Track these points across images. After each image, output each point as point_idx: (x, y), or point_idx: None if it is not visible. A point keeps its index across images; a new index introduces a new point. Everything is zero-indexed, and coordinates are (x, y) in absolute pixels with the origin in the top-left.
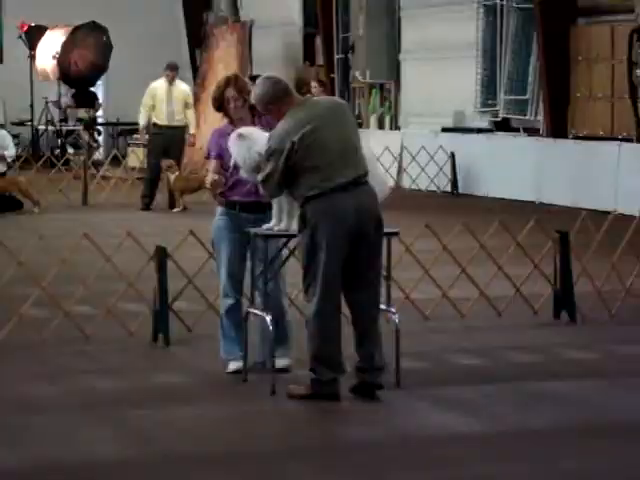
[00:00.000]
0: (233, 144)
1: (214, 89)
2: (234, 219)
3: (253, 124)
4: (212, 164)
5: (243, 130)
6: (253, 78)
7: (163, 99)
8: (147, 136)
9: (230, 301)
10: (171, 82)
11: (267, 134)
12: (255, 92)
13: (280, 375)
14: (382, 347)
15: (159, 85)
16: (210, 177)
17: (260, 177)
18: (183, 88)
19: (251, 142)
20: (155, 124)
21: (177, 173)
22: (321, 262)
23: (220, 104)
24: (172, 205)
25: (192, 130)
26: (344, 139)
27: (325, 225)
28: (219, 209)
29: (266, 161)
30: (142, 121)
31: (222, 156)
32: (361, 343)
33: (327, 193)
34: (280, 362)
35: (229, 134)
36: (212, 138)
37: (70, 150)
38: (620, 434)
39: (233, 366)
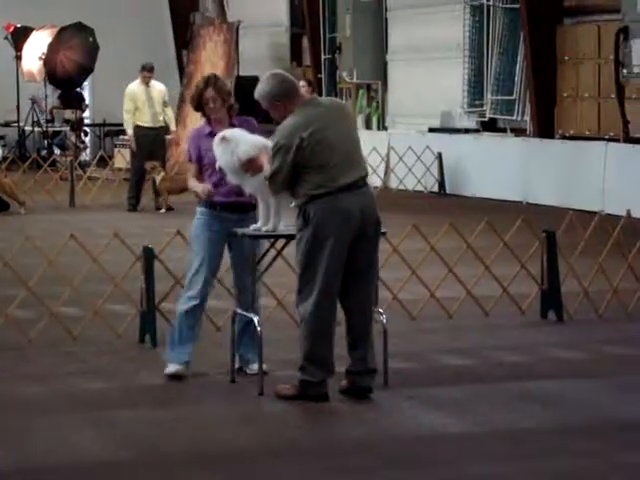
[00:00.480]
0: (217, 147)
1: (193, 89)
2: (215, 219)
3: (231, 125)
4: (191, 167)
5: (226, 133)
6: (240, 79)
7: (144, 101)
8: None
9: (194, 302)
10: (147, 83)
11: (250, 135)
12: (262, 87)
13: (267, 376)
14: (374, 350)
15: (136, 88)
16: (201, 187)
17: (267, 173)
18: (160, 88)
19: (234, 145)
20: (138, 126)
21: (163, 174)
22: (323, 261)
23: (198, 104)
24: (158, 206)
25: (173, 127)
26: (348, 140)
27: (331, 224)
28: (200, 209)
29: (272, 157)
30: (129, 129)
31: (201, 158)
32: (355, 346)
33: (333, 193)
34: (254, 367)
35: (207, 135)
36: (191, 141)
37: (57, 151)
38: (609, 433)
39: (173, 369)
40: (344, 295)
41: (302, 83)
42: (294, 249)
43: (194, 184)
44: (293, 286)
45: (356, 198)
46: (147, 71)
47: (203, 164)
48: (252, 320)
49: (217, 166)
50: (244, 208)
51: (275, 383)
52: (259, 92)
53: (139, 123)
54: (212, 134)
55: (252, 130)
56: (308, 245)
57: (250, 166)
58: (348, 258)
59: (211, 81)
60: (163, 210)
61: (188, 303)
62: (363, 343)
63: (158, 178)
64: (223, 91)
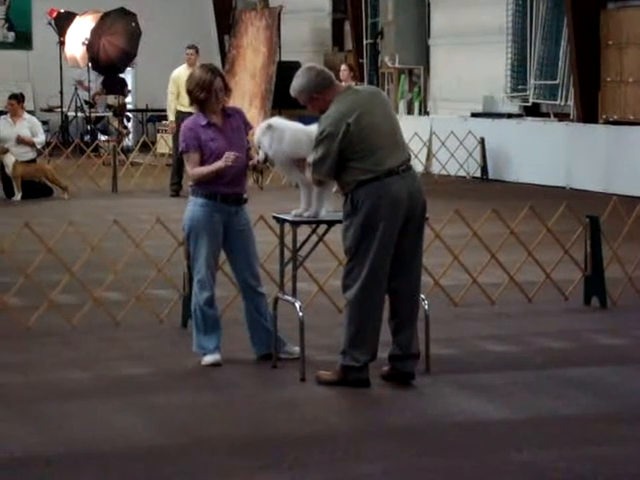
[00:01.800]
0: (263, 135)
1: (199, 77)
2: (215, 209)
3: (224, 115)
4: (193, 157)
5: (272, 121)
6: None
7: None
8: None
9: (208, 294)
10: (192, 64)
11: (296, 124)
12: (298, 83)
13: (307, 361)
14: (418, 335)
15: (182, 71)
16: (217, 164)
17: (311, 159)
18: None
19: (281, 133)
20: (180, 111)
21: None
22: (373, 246)
23: (207, 92)
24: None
25: None
26: (390, 123)
27: (381, 210)
28: (198, 200)
29: (317, 145)
30: (171, 114)
31: (202, 147)
32: (399, 330)
33: (381, 177)
34: (288, 350)
35: (204, 126)
36: (187, 131)
37: (100, 137)
38: None
39: (210, 359)
40: (391, 279)
41: (343, 68)
42: (334, 235)
43: (202, 169)
44: (330, 271)
45: (403, 182)
46: (189, 48)
47: (203, 154)
48: (260, 305)
49: (261, 155)
50: (241, 200)
51: (314, 368)
52: (295, 88)
53: (181, 108)
54: (210, 124)
55: (242, 120)
56: (358, 231)
57: (301, 162)
58: (396, 242)
59: (217, 70)
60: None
61: (204, 294)
62: (408, 328)
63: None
64: (226, 80)
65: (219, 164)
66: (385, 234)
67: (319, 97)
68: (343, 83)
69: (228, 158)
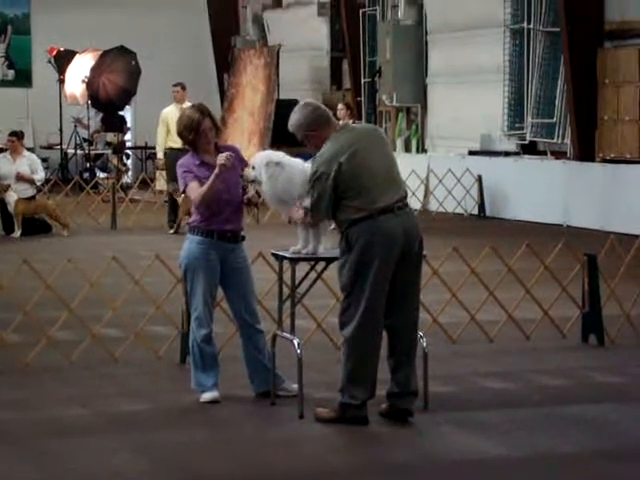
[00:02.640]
0: (265, 170)
1: (187, 118)
2: (211, 247)
3: (217, 152)
4: (193, 185)
5: (273, 156)
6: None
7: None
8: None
9: (206, 331)
10: (180, 101)
11: (294, 161)
12: (295, 118)
13: (304, 398)
14: (416, 372)
15: (170, 110)
16: (216, 170)
17: (308, 203)
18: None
19: (290, 174)
20: (171, 147)
21: (183, 195)
22: (368, 283)
23: (196, 133)
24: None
25: None
26: (386, 161)
27: (375, 247)
28: (195, 237)
29: (312, 186)
30: (160, 152)
31: (200, 179)
32: (397, 368)
33: (374, 215)
34: (287, 387)
35: (199, 165)
36: (182, 170)
37: (99, 174)
38: None
39: (208, 396)
40: (388, 316)
41: (340, 107)
42: (332, 272)
43: (202, 188)
44: (329, 308)
45: (398, 219)
46: (174, 86)
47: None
48: (258, 343)
49: (251, 192)
50: (238, 237)
51: (313, 406)
52: (292, 124)
53: (172, 145)
54: (203, 163)
55: (237, 158)
56: (353, 269)
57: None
58: (392, 279)
59: (206, 110)
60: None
61: (202, 331)
62: (406, 365)
63: (179, 200)
64: (215, 120)
65: (215, 171)
66: (379, 271)
67: (314, 134)
68: (341, 122)
69: (221, 158)
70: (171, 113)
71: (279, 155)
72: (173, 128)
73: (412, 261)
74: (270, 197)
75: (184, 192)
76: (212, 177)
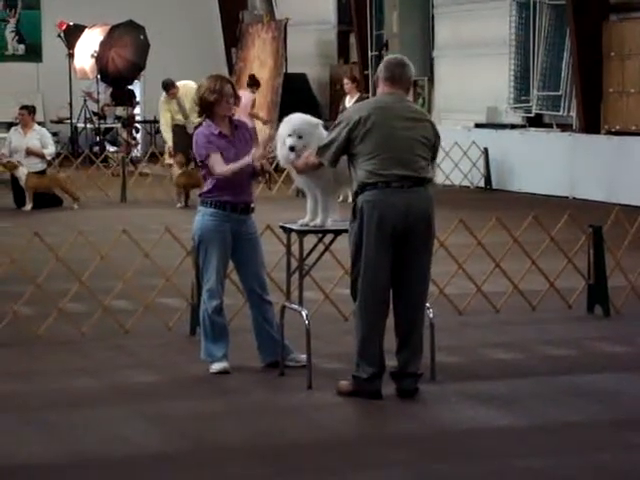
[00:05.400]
0: (285, 140)
1: (208, 83)
2: (223, 219)
3: (232, 125)
4: (216, 158)
5: (311, 118)
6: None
7: (177, 111)
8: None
9: (217, 302)
10: (174, 97)
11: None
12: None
13: (314, 369)
14: (421, 353)
15: (166, 102)
16: (245, 160)
17: (321, 142)
18: (189, 87)
19: (310, 139)
20: (177, 125)
21: (183, 169)
22: (367, 255)
23: (219, 94)
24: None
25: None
26: (404, 140)
27: (374, 218)
28: (207, 209)
29: (330, 132)
30: (170, 141)
31: (222, 150)
32: (399, 348)
33: (381, 185)
34: (295, 357)
35: (218, 135)
36: (202, 139)
37: (109, 147)
38: None
39: (218, 366)
40: (394, 295)
41: (346, 81)
42: (340, 244)
43: (231, 166)
44: (336, 280)
45: (404, 195)
46: (166, 89)
47: (225, 157)
48: (267, 314)
49: (286, 157)
50: (249, 208)
51: (321, 376)
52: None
53: (177, 122)
54: (221, 134)
55: (247, 131)
56: (355, 238)
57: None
58: (398, 258)
59: (226, 78)
60: (179, 205)
61: (213, 303)
62: (404, 348)
63: (175, 173)
64: (235, 89)
65: (247, 159)
66: (376, 244)
67: (381, 83)
68: (348, 95)
69: (255, 155)
70: (172, 105)
71: (316, 119)
72: (175, 115)
73: (416, 242)
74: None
75: (203, 162)
76: (238, 164)
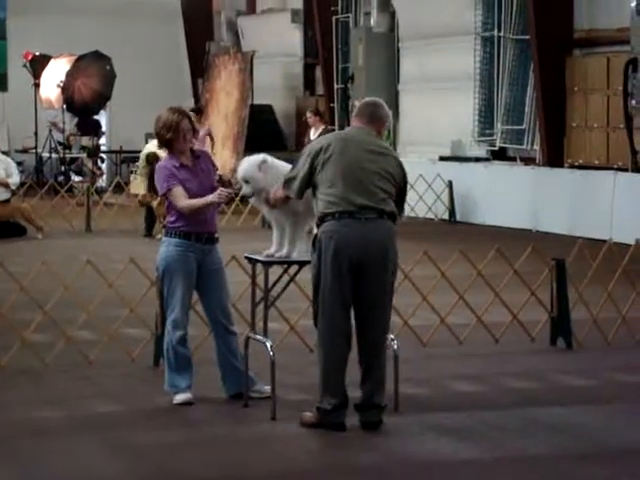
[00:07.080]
0: (258, 171)
1: (165, 118)
2: (188, 249)
3: (193, 156)
4: (178, 191)
5: (265, 157)
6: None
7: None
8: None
9: (181, 333)
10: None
11: (283, 163)
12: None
13: (278, 400)
14: (384, 385)
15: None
16: (219, 191)
17: (286, 175)
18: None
19: (277, 170)
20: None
21: (159, 199)
22: (324, 287)
23: (174, 132)
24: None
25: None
26: (365, 172)
27: (330, 249)
28: (172, 240)
29: (295, 163)
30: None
31: (183, 183)
32: (363, 380)
33: (338, 217)
34: (259, 389)
35: (178, 167)
36: (163, 171)
37: (74, 177)
38: (617, 460)
39: (182, 397)
40: (356, 327)
41: (308, 115)
42: (305, 275)
43: (193, 201)
44: (301, 311)
45: (361, 226)
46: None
47: (187, 190)
48: (231, 344)
49: (246, 190)
50: (213, 239)
51: (285, 408)
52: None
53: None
54: (182, 166)
55: (210, 162)
56: (315, 269)
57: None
58: (355, 288)
59: (184, 112)
60: (160, 235)
61: (177, 333)
62: (367, 380)
63: (154, 203)
64: (193, 122)
65: (211, 198)
66: (332, 276)
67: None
68: (312, 128)
69: (222, 194)
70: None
71: (260, 156)
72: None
73: (372, 274)
74: (257, 195)
75: (165, 195)
76: (202, 201)
